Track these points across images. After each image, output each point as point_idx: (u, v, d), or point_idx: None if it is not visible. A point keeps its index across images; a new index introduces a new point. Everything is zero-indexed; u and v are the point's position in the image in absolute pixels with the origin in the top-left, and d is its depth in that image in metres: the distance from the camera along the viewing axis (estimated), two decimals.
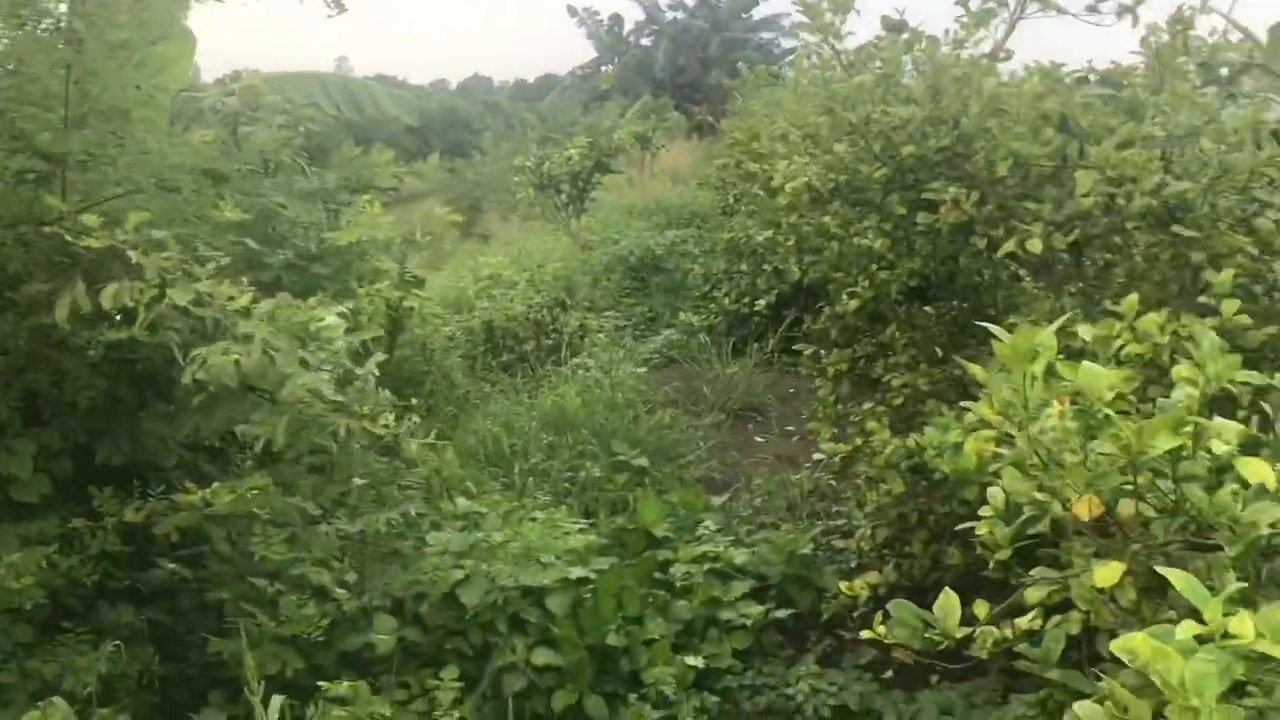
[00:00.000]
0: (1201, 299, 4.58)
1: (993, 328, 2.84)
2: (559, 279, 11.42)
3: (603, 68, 37.36)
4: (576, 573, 5.14)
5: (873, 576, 5.18)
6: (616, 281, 12.21)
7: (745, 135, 8.18)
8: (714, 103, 25.73)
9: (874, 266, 5.60)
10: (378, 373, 3.61)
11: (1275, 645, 1.83)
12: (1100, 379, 2.87)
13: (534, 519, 5.60)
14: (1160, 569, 2.07)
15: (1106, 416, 2.84)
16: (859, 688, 5.00)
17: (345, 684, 4.42)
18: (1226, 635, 1.87)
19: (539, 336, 9.40)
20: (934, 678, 5.03)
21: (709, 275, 11.44)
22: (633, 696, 4.88)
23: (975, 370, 2.94)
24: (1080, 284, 5.47)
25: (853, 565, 5.61)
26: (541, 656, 4.83)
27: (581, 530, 5.64)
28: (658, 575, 5.67)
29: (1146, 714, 2.01)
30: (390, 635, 4.84)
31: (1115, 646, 2.06)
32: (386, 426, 3.63)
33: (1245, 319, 4.46)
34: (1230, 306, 4.47)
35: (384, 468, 5.10)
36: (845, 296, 5.79)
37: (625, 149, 17.80)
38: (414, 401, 5.05)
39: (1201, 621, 1.98)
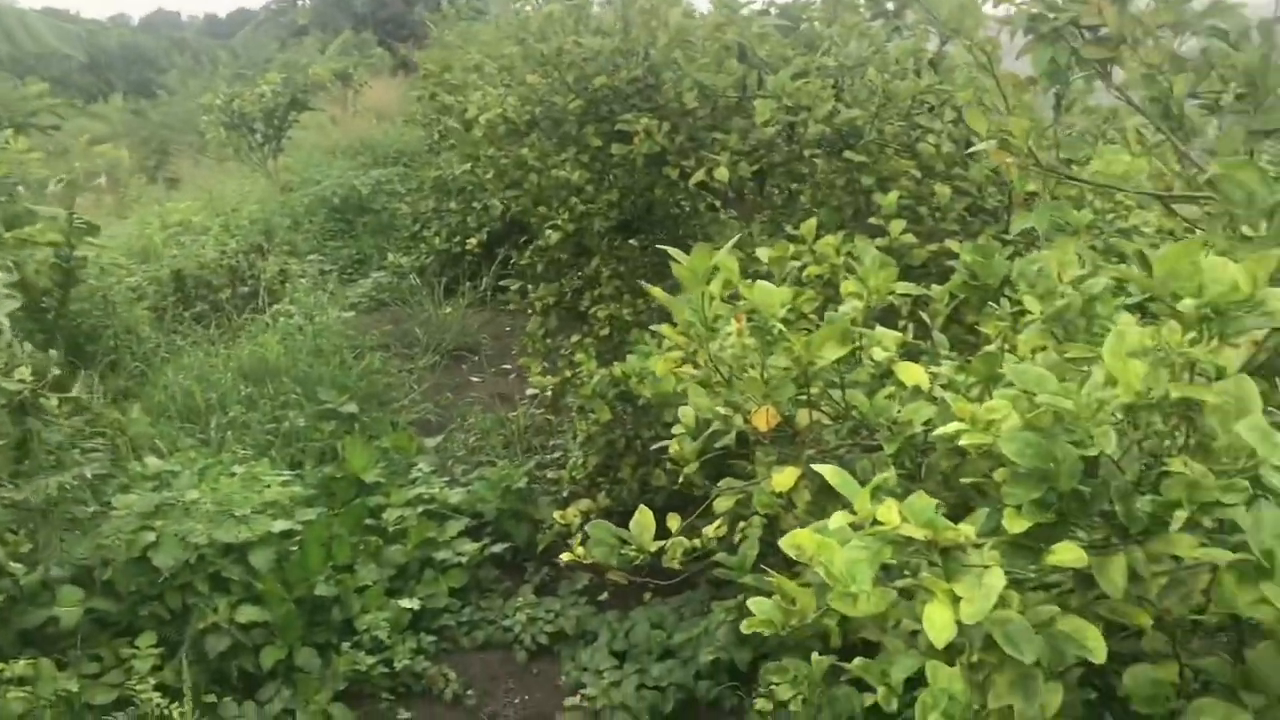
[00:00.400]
0: (873, 220, 4.89)
1: (671, 250, 2.89)
2: (256, 223, 10.82)
3: (299, 2, 35.50)
4: (280, 525, 4.94)
5: (584, 504, 5.24)
6: (320, 224, 11.71)
7: (438, 66, 7.99)
8: (419, 39, 25.01)
9: (574, 199, 5.63)
10: (7, 322, 3.26)
11: (917, 529, 1.98)
12: (773, 297, 3.00)
13: (232, 474, 5.32)
14: (816, 466, 2.19)
15: (780, 332, 2.97)
16: (575, 612, 5.11)
17: (23, 662, 4.09)
18: (876, 523, 2.00)
19: (235, 284, 8.89)
20: (647, 596, 5.21)
21: (418, 215, 11.17)
22: (346, 645, 4.77)
23: (657, 293, 3.00)
24: (769, 212, 5.71)
25: (565, 495, 5.69)
26: (246, 613, 4.63)
27: (285, 482, 5.42)
28: (370, 521, 5.54)
29: (812, 603, 2.14)
30: (76, 607, 4.50)
31: (783, 544, 2.17)
32: (23, 381, 3.30)
33: (911, 238, 4.79)
34: (897, 227, 4.78)
35: (64, 430, 4.70)
36: (548, 230, 5.80)
37: (325, 86, 17.05)
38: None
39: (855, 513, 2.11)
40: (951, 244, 4.39)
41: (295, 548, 4.98)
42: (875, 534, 1.98)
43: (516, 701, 4.75)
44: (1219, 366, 2.22)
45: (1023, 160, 2.83)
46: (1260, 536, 1.85)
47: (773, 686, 3.33)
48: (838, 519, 2.01)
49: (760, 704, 3.41)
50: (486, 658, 5.00)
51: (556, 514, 4.76)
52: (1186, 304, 2.09)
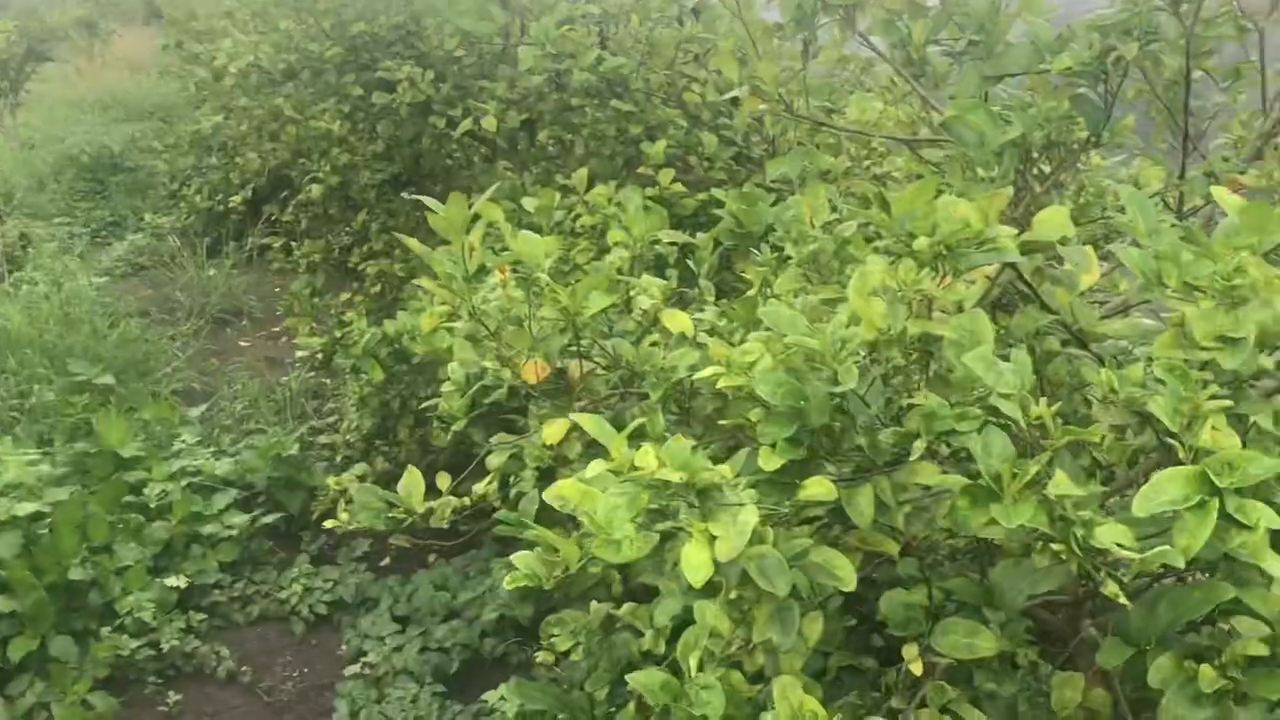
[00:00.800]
0: (644, 170, 4.91)
1: (427, 201, 2.80)
2: None
3: None
4: (26, 508, 4.58)
5: (360, 468, 5.13)
6: (68, 184, 10.86)
7: (183, 13, 7.49)
8: None
9: (335, 150, 5.41)
10: None
11: (674, 472, 1.99)
12: (537, 247, 2.95)
13: None
14: (575, 416, 2.18)
15: (546, 283, 2.93)
16: (354, 579, 4.97)
17: None
18: (634, 469, 2.00)
19: None
20: (431, 558, 5.12)
21: (176, 172, 10.50)
22: (107, 630, 4.48)
23: (413, 245, 2.90)
24: (544, 162, 5.66)
25: (341, 460, 5.51)
26: None
27: (32, 461, 5.02)
28: (129, 498, 5.20)
29: (575, 554, 2.12)
30: None
31: (547, 495, 2.15)
32: None
33: (680, 187, 4.84)
34: (666, 176, 4.83)
35: None
36: (309, 184, 5.56)
37: (68, 35, 15.80)
38: None
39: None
40: (718, 192, 4.47)
41: (45, 531, 4.64)
42: (633, 479, 1.98)
43: (295, 674, 4.59)
44: (957, 302, 2.33)
45: (773, 106, 2.87)
46: (989, 461, 1.94)
47: (553, 638, 3.33)
48: (594, 467, 2.00)
49: (542, 656, 3.40)
50: (262, 632, 4.81)
51: (331, 480, 4.60)
52: (921, 243, 2.16)
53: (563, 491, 2.09)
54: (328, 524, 3.08)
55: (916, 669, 2.34)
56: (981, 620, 2.45)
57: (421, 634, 4.57)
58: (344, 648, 4.68)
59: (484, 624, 4.53)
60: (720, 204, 4.20)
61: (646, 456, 1.97)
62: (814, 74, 4.23)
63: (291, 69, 5.34)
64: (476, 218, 2.86)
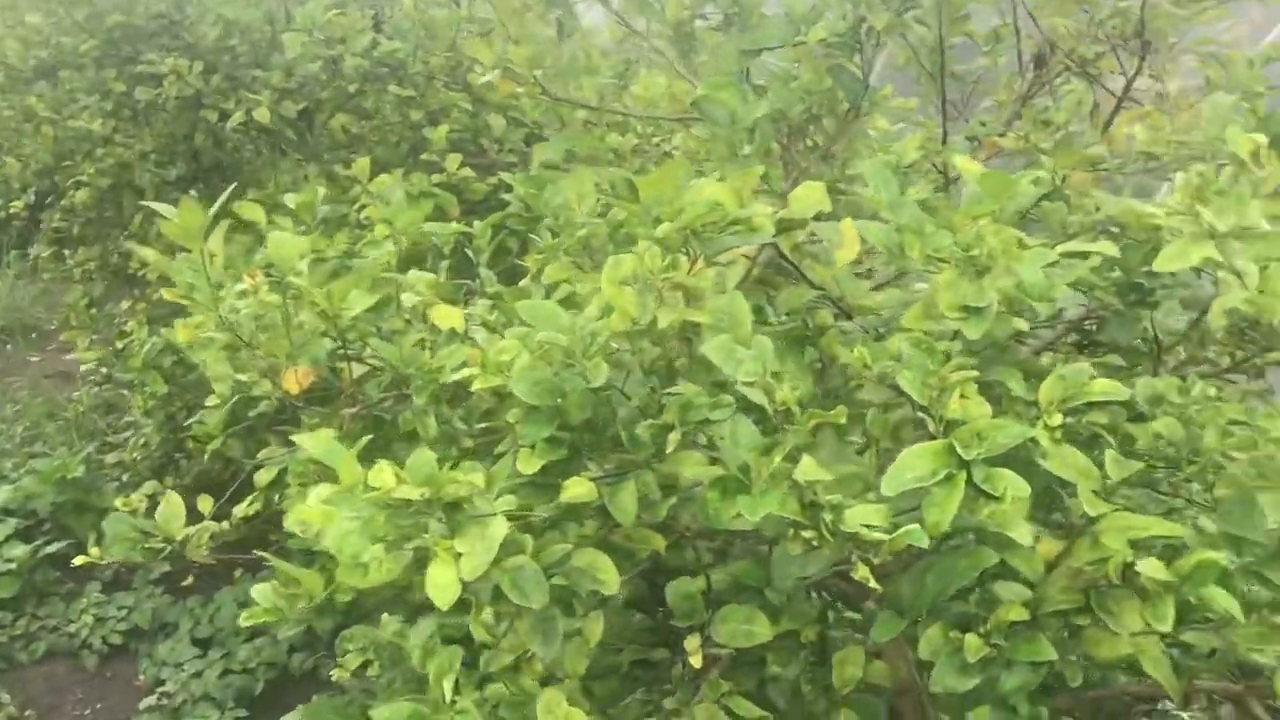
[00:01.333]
0: (428, 156, 4.75)
1: (159, 207, 2.59)
2: None
3: None
4: None
5: (150, 486, 4.82)
6: None
7: None
8: None
9: (100, 151, 5.05)
10: None
11: (414, 489, 1.86)
12: (291, 248, 2.77)
13: None
14: (296, 438, 2.04)
15: (300, 286, 2.76)
16: (151, 604, 4.70)
17: None
18: (369, 488, 1.87)
19: None
20: (238, 573, 4.88)
21: None
22: None
23: (149, 254, 2.69)
24: (337, 151, 5.43)
25: (129, 479, 5.19)
26: None
27: None
28: None
29: (318, 584, 1.99)
30: None
31: (289, 523, 2.01)
32: None
33: (469, 172, 4.70)
34: (453, 161, 4.67)
35: None
36: (71, 188, 5.18)
37: None
38: None
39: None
40: (506, 176, 4.34)
41: None
42: (368, 501, 1.85)
43: (87, 712, 4.31)
44: (720, 285, 2.27)
45: (530, 89, 2.76)
46: (737, 451, 1.89)
47: (348, 654, 3.18)
48: (322, 490, 1.87)
49: (337, 673, 3.24)
50: (50, 669, 4.50)
51: (119, 501, 4.30)
52: (665, 228, 2.09)
53: (304, 516, 1.95)
54: (75, 562, 2.85)
55: (696, 661, 2.29)
56: (764, 603, 2.42)
57: (224, 656, 4.36)
58: (141, 678, 4.42)
59: (291, 639, 4.33)
60: (511, 188, 4.07)
61: (382, 474, 1.84)
62: (605, 49, 4.14)
63: (45, 65, 4.95)
64: (218, 219, 2.66)
